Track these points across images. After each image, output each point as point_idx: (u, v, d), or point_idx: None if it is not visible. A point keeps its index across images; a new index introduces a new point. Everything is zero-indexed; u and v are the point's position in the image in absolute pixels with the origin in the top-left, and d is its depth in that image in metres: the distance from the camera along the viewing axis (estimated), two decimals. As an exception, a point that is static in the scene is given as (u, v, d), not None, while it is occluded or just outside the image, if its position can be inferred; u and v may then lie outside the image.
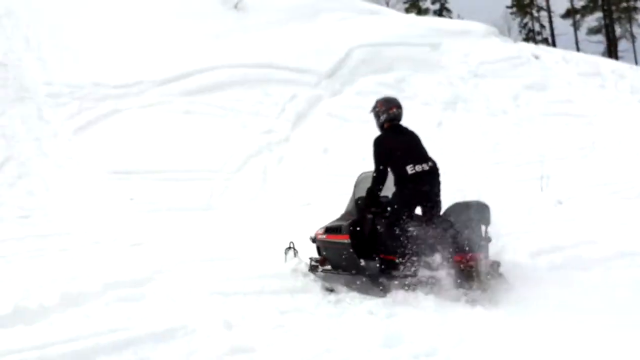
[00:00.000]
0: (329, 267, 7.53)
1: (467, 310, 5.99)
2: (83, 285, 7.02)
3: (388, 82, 17.67)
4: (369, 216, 7.05)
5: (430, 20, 25.95)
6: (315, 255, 7.83)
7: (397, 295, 6.41)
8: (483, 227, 6.45)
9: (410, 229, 6.57)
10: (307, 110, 16.72)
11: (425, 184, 6.68)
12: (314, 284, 7.48)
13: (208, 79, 17.09)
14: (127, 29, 18.90)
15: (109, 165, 13.50)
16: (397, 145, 6.81)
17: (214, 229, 11.54)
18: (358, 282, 6.92)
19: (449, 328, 5.49)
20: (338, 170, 14.31)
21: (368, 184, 7.04)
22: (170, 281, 7.52)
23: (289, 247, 7.85)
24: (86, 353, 4.95)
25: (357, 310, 6.35)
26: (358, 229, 7.08)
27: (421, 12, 55.29)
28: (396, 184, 6.79)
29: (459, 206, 6.61)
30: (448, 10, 62.45)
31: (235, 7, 21.13)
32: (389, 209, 6.79)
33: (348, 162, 14.65)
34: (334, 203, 11.15)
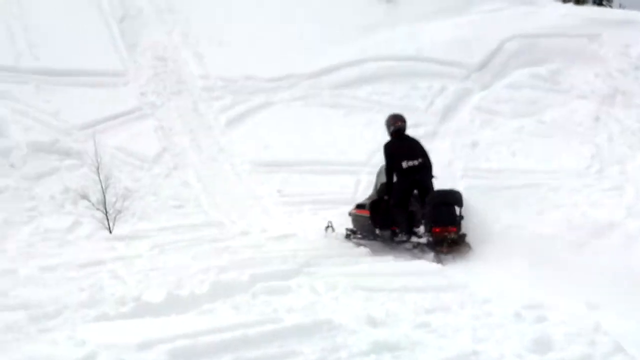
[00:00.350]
0: (359, 235, 9.74)
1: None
2: (232, 276, 7.22)
3: (542, 75, 17.02)
4: (385, 198, 9.25)
5: (588, 10, 24.72)
6: (350, 226, 9.90)
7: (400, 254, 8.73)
8: (457, 208, 8.62)
9: (405, 208, 8.96)
10: (455, 104, 16.42)
11: (415, 174, 8.93)
12: (459, 282, 7.36)
13: (356, 72, 17.13)
14: (279, 23, 19.24)
15: (258, 157, 13.86)
16: (397, 148, 9.15)
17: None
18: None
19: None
20: (487, 165, 13.99)
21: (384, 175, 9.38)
22: (316, 275, 7.60)
23: (328, 226, 9.97)
24: (234, 344, 5.02)
25: (504, 311, 6.14)
26: (375, 207, 9.33)
27: (579, 1, 52.91)
28: (396, 175, 9.07)
29: (441, 192, 8.83)
30: (608, 0, 59.43)
31: (387, -1, 21.08)
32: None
33: (497, 156, 14.30)
34: (481, 198, 10.95)
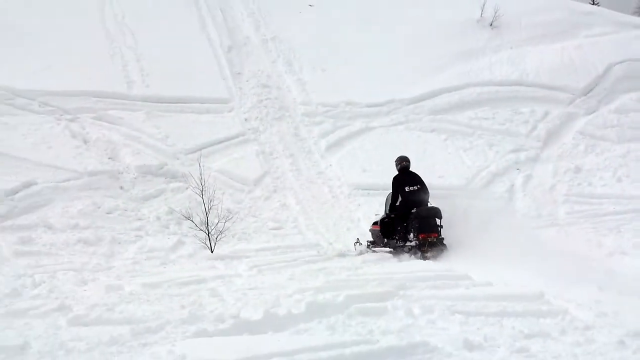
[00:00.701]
0: (375, 244, 11.66)
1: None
2: (328, 297, 7.27)
3: (651, 99, 16.58)
4: (392, 216, 11.43)
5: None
6: (370, 239, 11.80)
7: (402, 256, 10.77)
8: (437, 220, 10.87)
9: (404, 221, 11.18)
10: (559, 129, 16.12)
11: (414, 196, 11.19)
12: (559, 308, 7.15)
13: (456, 98, 17.11)
14: (380, 48, 19.42)
15: (357, 181, 13.96)
16: (402, 180, 11.44)
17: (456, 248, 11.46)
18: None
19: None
20: (590, 190, 13.62)
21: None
22: (412, 297, 7.56)
23: (357, 241, 11.56)
24: (330, 363, 5.09)
25: (607, 339, 5.94)
26: (384, 223, 11.49)
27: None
28: (401, 197, 11.33)
29: (425, 208, 11.04)
30: None
31: (491, 25, 20.90)
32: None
33: (602, 182, 13.90)
34: (584, 224, 10.66)
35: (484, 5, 21.14)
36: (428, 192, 11.36)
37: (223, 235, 10.82)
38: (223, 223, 10.80)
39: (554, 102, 17.09)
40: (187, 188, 12.35)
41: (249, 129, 15.37)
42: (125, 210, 11.78)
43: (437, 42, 19.87)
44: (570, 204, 13.51)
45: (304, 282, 8.31)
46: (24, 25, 17.00)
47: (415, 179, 11.43)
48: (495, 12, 20.92)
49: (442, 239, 10.87)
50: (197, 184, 11.19)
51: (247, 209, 12.72)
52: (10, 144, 12.64)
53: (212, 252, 10.53)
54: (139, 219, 11.66)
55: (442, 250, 10.64)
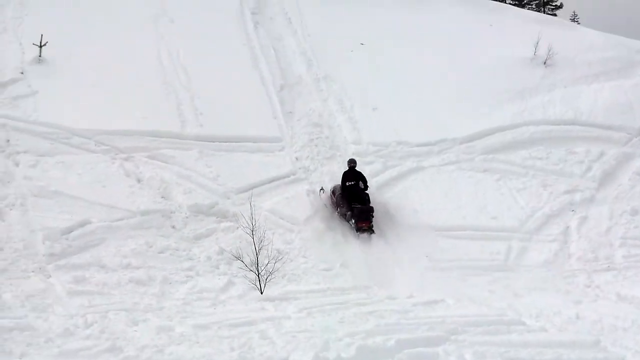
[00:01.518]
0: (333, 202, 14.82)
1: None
2: (378, 341, 7.20)
3: None
4: (338, 194, 14.58)
5: None
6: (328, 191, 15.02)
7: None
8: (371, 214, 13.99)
9: (347, 206, 14.31)
10: (614, 169, 15.84)
11: (351, 189, 14.50)
12: (616, 356, 6.97)
13: (509, 137, 16.98)
14: (432, 87, 19.40)
15: (408, 221, 13.88)
16: (346, 176, 14.73)
17: (511, 290, 11.28)
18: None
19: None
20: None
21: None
22: (464, 342, 7.45)
23: (321, 189, 14.87)
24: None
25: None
26: (337, 198, 14.61)
27: None
28: (342, 189, 14.61)
29: (361, 207, 14.15)
30: None
31: (544, 63, 20.74)
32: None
33: (662, 225, 13.60)
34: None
35: (537, 43, 21.00)
36: (364, 185, 14.75)
37: (273, 276, 10.82)
38: (273, 264, 10.81)
39: (610, 142, 16.83)
40: (237, 228, 12.42)
41: (299, 168, 15.44)
42: (177, 250, 11.90)
43: (490, 81, 19.77)
44: (627, 248, 13.25)
45: (354, 326, 8.27)
46: (83, 65, 17.41)
47: (355, 176, 14.84)
48: (549, 51, 20.75)
49: (372, 226, 14.03)
50: (248, 224, 11.25)
51: (297, 250, 12.73)
52: (67, 182, 12.91)
53: (261, 293, 10.54)
54: (190, 259, 11.76)
55: (370, 234, 13.89)
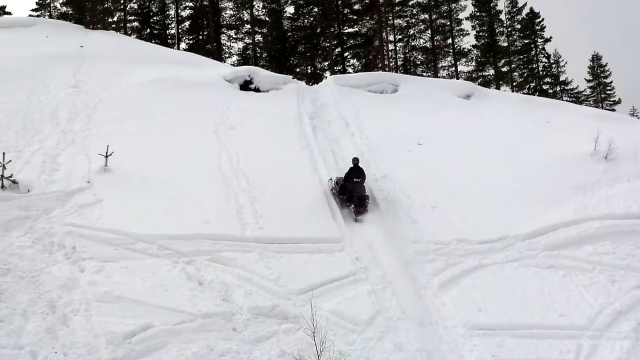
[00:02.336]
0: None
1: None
2: None
3: None
4: (343, 185, 18.81)
5: None
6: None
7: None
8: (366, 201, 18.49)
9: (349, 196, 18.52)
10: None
11: (355, 185, 18.54)
12: None
13: (573, 232, 16.67)
14: (491, 182, 19.38)
15: (472, 320, 13.57)
16: (350, 172, 18.84)
17: None
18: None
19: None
20: None
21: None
22: None
23: (330, 179, 19.54)
24: None
25: None
26: (340, 188, 18.94)
27: None
28: (348, 182, 18.66)
29: (360, 194, 18.48)
30: None
31: (605, 158, 20.55)
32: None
33: None
34: None
35: (597, 138, 20.90)
36: (364, 180, 18.86)
37: (334, 379, 10.64)
38: (335, 366, 10.65)
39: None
40: (298, 329, 12.30)
41: (360, 268, 15.34)
42: (238, 353, 11.81)
43: (550, 177, 19.65)
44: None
45: None
46: (146, 173, 17.97)
47: (359, 174, 18.85)
48: (610, 145, 20.59)
49: (367, 210, 18.22)
50: (309, 325, 11.16)
51: (359, 351, 12.47)
52: (130, 287, 13.08)
53: (323, 395, 10.35)
54: (251, 362, 11.68)
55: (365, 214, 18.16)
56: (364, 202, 18.19)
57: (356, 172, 18.76)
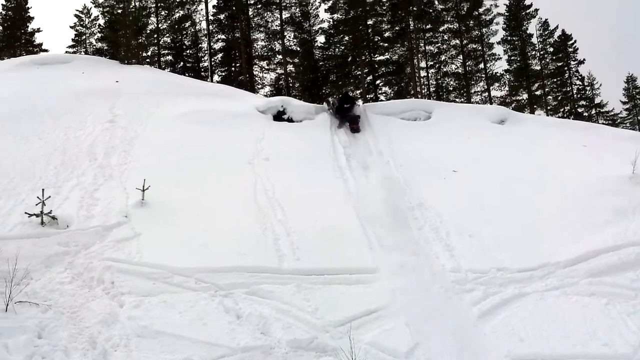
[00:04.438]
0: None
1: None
2: None
3: None
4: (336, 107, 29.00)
5: None
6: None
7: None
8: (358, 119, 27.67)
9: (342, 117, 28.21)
10: None
11: (345, 110, 28.26)
12: None
13: (615, 258, 16.38)
14: (527, 210, 19.23)
15: (514, 351, 13.35)
16: (341, 100, 29.07)
17: None
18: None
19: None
20: None
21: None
22: None
23: (326, 102, 32.89)
24: None
25: None
26: (335, 109, 28.92)
27: None
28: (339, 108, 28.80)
29: (351, 115, 27.91)
30: None
31: (643, 181, 20.36)
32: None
33: None
34: None
35: (635, 161, 20.62)
36: (354, 105, 26.91)
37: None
38: (375, 399, 10.54)
39: None
40: (336, 362, 12.23)
41: (397, 299, 15.20)
42: (278, 386, 11.78)
43: (588, 201, 19.43)
44: None
45: None
46: (183, 206, 18.11)
47: (348, 101, 27.58)
48: (648, 168, 20.37)
49: (359, 126, 26.12)
50: (348, 358, 11.08)
51: (399, 383, 12.38)
52: (168, 322, 13.09)
53: None
54: (292, 398, 11.62)
55: (359, 131, 25.65)
56: (355, 120, 27.37)
57: (345, 100, 28.70)
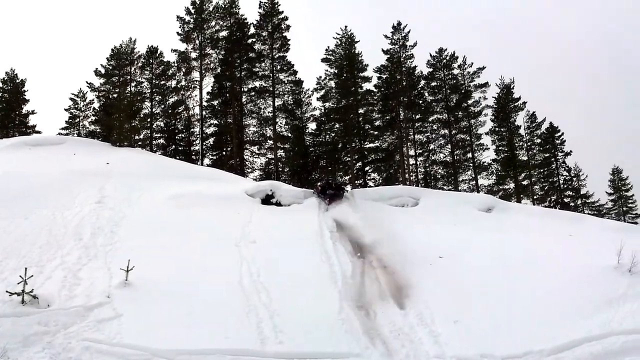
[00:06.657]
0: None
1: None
2: None
3: None
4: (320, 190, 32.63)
5: None
6: None
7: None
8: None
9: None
10: None
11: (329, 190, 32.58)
12: None
13: (599, 348, 16.27)
14: (513, 297, 19.20)
15: None
16: (324, 186, 32.62)
17: None
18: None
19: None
20: None
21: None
22: None
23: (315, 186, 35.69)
24: None
25: None
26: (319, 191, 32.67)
27: None
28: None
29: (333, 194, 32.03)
30: None
31: (629, 271, 20.37)
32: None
33: None
34: None
35: (620, 251, 20.74)
36: (336, 190, 30.58)
37: None
38: None
39: None
40: None
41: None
42: None
43: (574, 290, 19.47)
44: None
45: None
46: (167, 287, 18.02)
47: (331, 187, 30.74)
48: (633, 258, 20.42)
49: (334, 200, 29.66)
50: None
51: None
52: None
53: None
54: None
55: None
56: (334, 199, 30.72)
57: (328, 187, 32.22)
